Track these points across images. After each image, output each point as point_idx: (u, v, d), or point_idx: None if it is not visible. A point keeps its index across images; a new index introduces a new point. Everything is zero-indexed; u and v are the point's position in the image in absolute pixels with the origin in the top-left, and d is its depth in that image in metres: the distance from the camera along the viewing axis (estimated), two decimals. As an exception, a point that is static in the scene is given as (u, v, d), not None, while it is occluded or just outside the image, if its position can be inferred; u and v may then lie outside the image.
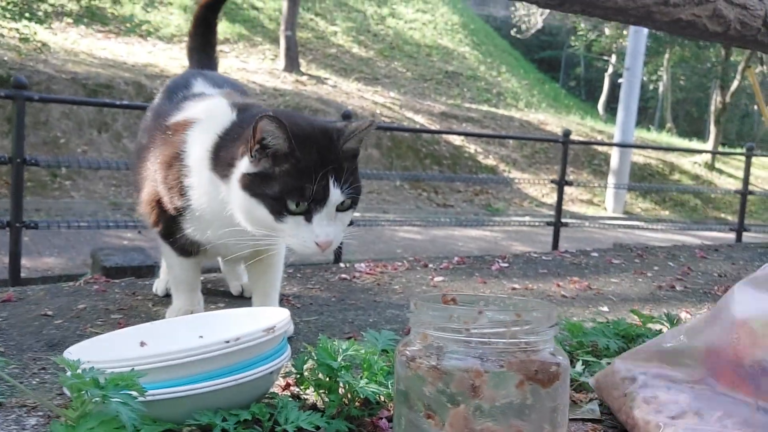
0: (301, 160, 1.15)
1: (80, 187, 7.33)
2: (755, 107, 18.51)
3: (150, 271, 3.57)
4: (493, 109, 13.38)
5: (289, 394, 1.06)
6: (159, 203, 1.37)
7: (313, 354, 1.03)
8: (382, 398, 1.00)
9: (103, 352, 0.93)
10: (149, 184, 1.40)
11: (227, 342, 0.86)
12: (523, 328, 0.59)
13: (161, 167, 1.34)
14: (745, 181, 7.47)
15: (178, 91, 1.52)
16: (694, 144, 16.72)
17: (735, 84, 14.23)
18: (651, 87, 19.47)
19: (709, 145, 14.79)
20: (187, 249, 1.41)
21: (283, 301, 1.70)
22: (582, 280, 2.15)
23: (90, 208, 6.67)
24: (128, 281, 1.89)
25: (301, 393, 1.07)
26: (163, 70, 9.55)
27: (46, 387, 1.07)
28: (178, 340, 1.01)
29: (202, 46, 1.80)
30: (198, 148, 1.28)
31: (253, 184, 1.16)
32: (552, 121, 13.74)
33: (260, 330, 0.90)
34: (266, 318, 1.01)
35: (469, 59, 15.75)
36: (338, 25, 14.25)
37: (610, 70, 18.60)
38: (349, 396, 0.99)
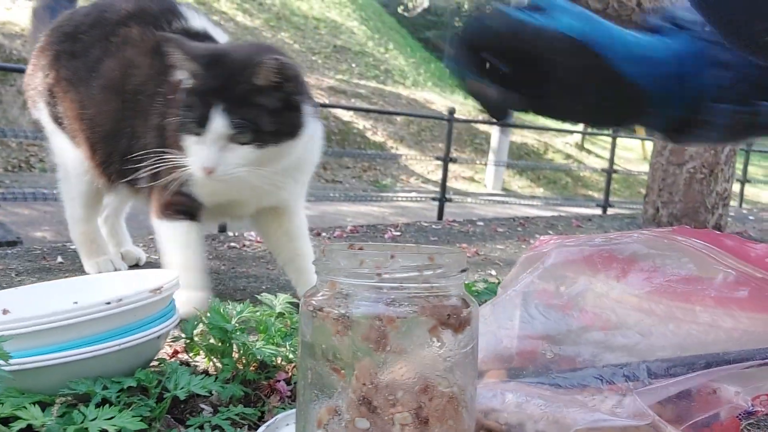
0: (199, 83, 1.18)
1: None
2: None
3: (12, 246, 3.25)
4: (381, 86, 13.44)
5: (178, 361, 0.99)
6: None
7: (203, 318, 0.97)
8: (280, 360, 0.96)
9: (-43, 319, 0.81)
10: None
11: (108, 303, 0.78)
12: (436, 272, 0.57)
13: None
14: (611, 160, 8.08)
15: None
16: (567, 126, 17.78)
17: (603, 70, 15.22)
18: (529, 70, 20.42)
19: (579, 126, 15.77)
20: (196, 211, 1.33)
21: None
22: (470, 247, 2.21)
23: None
24: (-15, 251, 1.70)
25: (191, 360, 1.00)
26: (24, 29, 8.69)
27: None
28: (50, 307, 0.91)
29: None
30: None
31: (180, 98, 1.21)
32: (437, 100, 14.05)
33: (146, 290, 0.83)
34: (152, 279, 0.93)
35: (358, 34, 15.68)
36: (221, -9, 13.63)
37: (492, 52, 19.26)
38: (244, 360, 0.94)
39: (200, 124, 1.15)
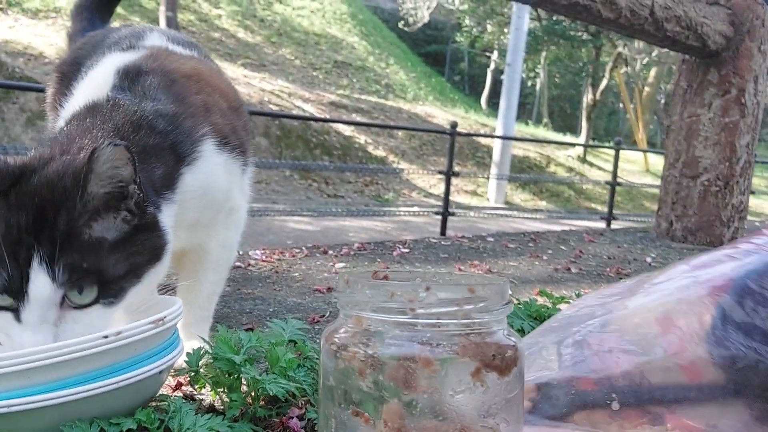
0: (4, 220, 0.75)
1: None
2: (621, 105, 19.97)
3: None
4: (382, 101, 13.43)
5: (182, 395, 0.92)
6: None
7: (209, 348, 0.90)
8: (292, 394, 0.88)
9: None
10: None
11: (106, 337, 0.71)
12: (478, 306, 0.50)
13: None
14: (614, 173, 8.01)
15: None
16: (568, 138, 17.76)
17: (604, 83, 15.24)
18: (529, 83, 20.45)
19: (581, 139, 15.75)
20: None
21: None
22: (482, 264, 2.14)
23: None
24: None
25: (196, 393, 0.93)
26: (26, 47, 8.70)
27: None
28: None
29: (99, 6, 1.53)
30: None
31: None
32: (438, 114, 14.03)
33: (147, 322, 0.76)
34: (152, 307, 0.86)
35: (358, 49, 15.71)
36: (222, 8, 13.69)
37: (492, 66, 19.33)
38: (253, 394, 0.86)
39: (11, 291, 0.73)
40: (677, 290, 0.71)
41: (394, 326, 0.50)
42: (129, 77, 0.98)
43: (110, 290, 0.77)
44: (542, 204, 12.40)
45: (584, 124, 15.73)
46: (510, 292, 0.53)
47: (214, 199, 1.04)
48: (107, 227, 0.78)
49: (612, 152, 8.56)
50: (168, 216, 0.89)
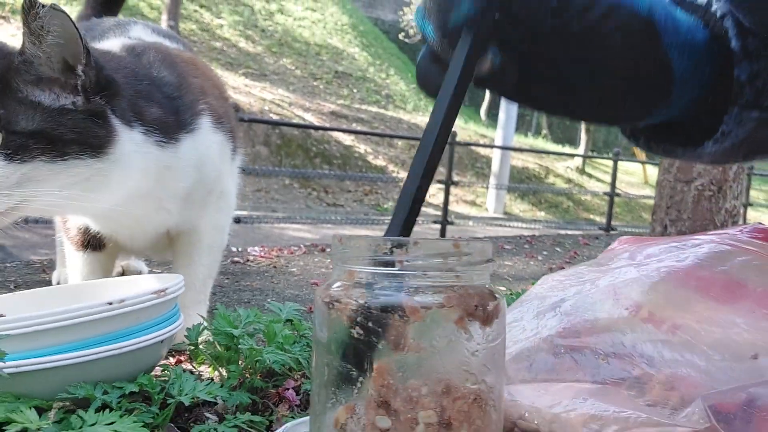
0: None
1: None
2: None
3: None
4: (382, 111, 13.52)
5: (182, 369, 0.95)
6: None
7: (207, 324, 0.93)
8: (289, 368, 0.91)
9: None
10: None
11: (110, 304, 0.74)
12: (461, 260, 0.54)
13: None
14: (613, 183, 8.06)
15: None
16: (567, 149, 17.84)
17: (603, 95, 15.30)
18: (529, 95, 20.53)
19: (580, 150, 15.82)
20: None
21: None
22: (478, 263, 2.17)
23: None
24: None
25: (195, 369, 0.96)
26: (28, 53, 8.76)
27: None
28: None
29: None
30: None
31: None
32: (438, 124, 14.08)
33: (149, 291, 0.79)
34: (156, 283, 0.89)
35: (359, 60, 15.83)
36: (224, 18, 13.81)
37: (492, 78, 19.40)
38: (250, 368, 0.89)
39: None
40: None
41: (383, 278, 0.53)
42: (134, 52, 1.03)
43: (12, 142, 0.81)
44: (541, 214, 12.45)
45: (583, 135, 15.81)
46: (492, 253, 0.57)
47: (207, 174, 1.08)
48: (46, 96, 0.83)
49: (611, 164, 8.63)
50: (139, 142, 0.93)
